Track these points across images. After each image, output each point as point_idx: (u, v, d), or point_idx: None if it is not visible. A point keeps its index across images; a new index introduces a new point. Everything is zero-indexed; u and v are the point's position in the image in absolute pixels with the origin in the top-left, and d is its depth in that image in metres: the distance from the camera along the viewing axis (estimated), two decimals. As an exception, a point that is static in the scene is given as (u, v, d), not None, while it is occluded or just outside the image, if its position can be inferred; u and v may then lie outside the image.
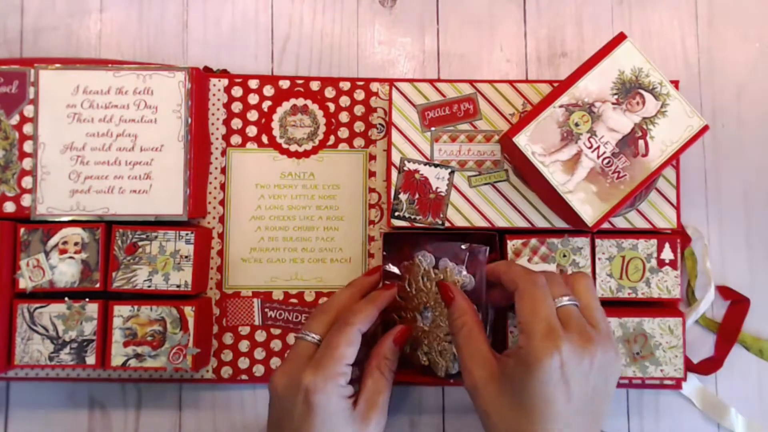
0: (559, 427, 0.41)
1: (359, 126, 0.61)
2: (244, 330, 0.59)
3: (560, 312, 0.44)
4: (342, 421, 0.44)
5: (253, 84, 0.61)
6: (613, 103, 0.52)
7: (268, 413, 0.48)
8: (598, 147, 0.52)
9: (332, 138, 0.61)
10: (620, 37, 0.52)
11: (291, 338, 0.59)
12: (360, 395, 0.47)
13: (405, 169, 0.57)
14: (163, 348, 0.55)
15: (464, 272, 0.52)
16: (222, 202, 0.60)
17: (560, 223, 0.57)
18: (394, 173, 0.57)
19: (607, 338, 0.44)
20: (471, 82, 0.58)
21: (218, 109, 0.61)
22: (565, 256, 0.57)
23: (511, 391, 0.42)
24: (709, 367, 0.59)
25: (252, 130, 0.61)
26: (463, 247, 0.53)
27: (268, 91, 0.61)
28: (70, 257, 0.55)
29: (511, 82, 0.58)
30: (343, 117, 0.61)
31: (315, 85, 0.61)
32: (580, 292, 0.47)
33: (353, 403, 0.46)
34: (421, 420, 0.59)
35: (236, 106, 0.61)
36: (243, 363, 0.59)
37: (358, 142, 0.61)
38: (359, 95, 0.61)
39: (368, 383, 0.48)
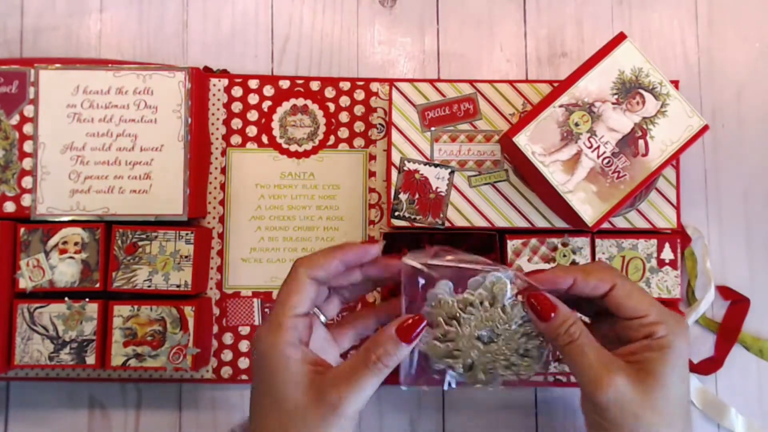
0: (689, 399, 0.42)
1: (359, 126, 0.61)
2: (244, 330, 0.59)
3: None
4: (288, 380, 0.39)
5: (253, 84, 0.61)
6: (613, 103, 0.52)
7: None
8: (598, 147, 0.52)
9: (332, 138, 0.61)
10: (620, 37, 0.52)
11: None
12: (337, 366, 0.41)
13: (405, 169, 0.57)
14: (163, 348, 0.55)
15: (495, 268, 0.42)
16: (222, 202, 0.60)
17: (560, 223, 0.57)
18: (394, 173, 0.57)
19: None
20: (471, 82, 0.58)
21: (218, 109, 0.61)
22: (565, 256, 0.57)
23: (658, 384, 0.40)
24: (709, 367, 0.59)
25: (252, 130, 0.61)
26: (478, 267, 0.43)
27: (268, 91, 0.61)
28: (70, 257, 0.55)
29: (511, 82, 0.58)
30: (343, 117, 0.61)
31: (315, 85, 0.61)
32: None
33: (317, 374, 0.40)
34: (421, 420, 0.59)
35: (236, 106, 0.61)
36: (243, 363, 0.59)
37: (358, 142, 0.61)
38: (359, 95, 0.61)
39: (350, 361, 0.41)
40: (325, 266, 0.43)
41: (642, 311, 0.42)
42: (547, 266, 0.56)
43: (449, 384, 0.44)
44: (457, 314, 0.42)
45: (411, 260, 0.43)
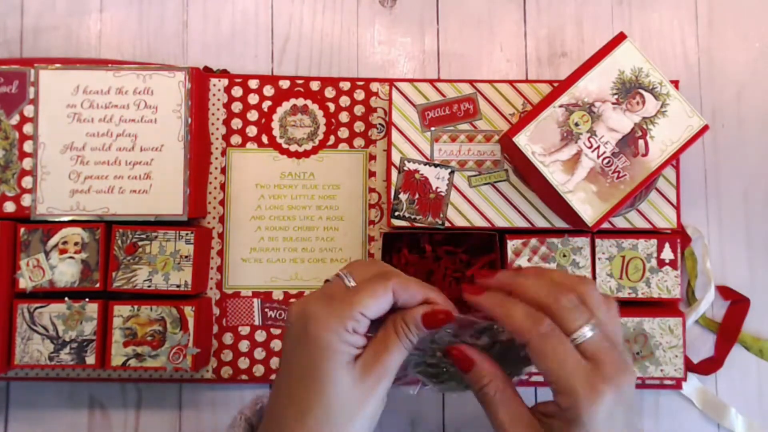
0: None
1: (359, 126, 0.61)
2: (244, 330, 0.59)
3: (584, 348, 0.40)
4: (337, 365, 0.39)
5: (253, 84, 0.61)
6: (613, 103, 0.52)
7: None
8: (598, 147, 0.52)
9: (332, 138, 0.61)
10: (620, 37, 0.52)
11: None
12: (366, 348, 0.41)
13: (405, 169, 0.57)
14: (163, 348, 0.55)
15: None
16: (222, 202, 0.60)
17: (560, 223, 0.57)
18: (394, 173, 0.57)
19: (626, 354, 0.42)
20: (471, 82, 0.58)
21: (218, 109, 0.61)
22: (565, 256, 0.57)
23: None
24: (709, 367, 0.59)
25: (252, 130, 0.61)
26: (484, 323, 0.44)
27: (268, 91, 0.61)
28: (70, 257, 0.55)
29: (511, 82, 0.58)
30: (343, 117, 0.61)
31: (315, 85, 0.61)
32: (593, 306, 0.41)
33: (357, 356, 0.41)
34: (421, 420, 0.59)
35: (236, 106, 0.61)
36: (243, 363, 0.59)
37: (358, 142, 0.61)
38: (359, 95, 0.61)
39: (379, 337, 0.42)
40: (412, 291, 0.42)
41: (549, 377, 0.39)
42: (547, 266, 0.56)
43: (422, 385, 0.46)
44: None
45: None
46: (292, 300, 0.60)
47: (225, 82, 0.61)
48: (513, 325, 0.40)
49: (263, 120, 0.61)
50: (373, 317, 0.41)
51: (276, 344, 0.59)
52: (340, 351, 0.40)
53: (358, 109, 0.61)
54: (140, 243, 0.56)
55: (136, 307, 0.55)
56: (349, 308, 0.40)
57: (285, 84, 0.61)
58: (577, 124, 0.52)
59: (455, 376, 0.45)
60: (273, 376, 0.59)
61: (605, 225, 0.55)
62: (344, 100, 0.61)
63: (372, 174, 0.61)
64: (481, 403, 0.42)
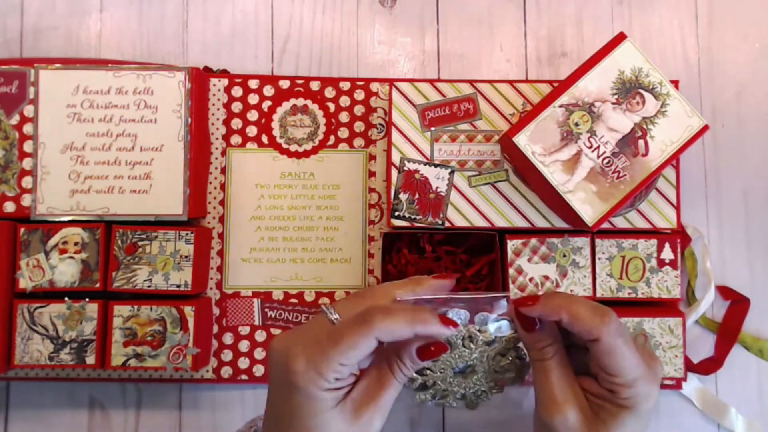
0: None
1: (359, 126, 0.61)
2: (244, 330, 0.59)
3: (637, 348, 0.42)
4: (325, 409, 0.39)
5: (253, 84, 0.61)
6: (613, 103, 0.52)
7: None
8: (598, 147, 0.52)
9: (332, 138, 0.61)
10: (620, 37, 0.52)
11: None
12: (357, 384, 0.41)
13: (405, 169, 0.57)
14: (163, 348, 0.55)
15: (504, 322, 0.44)
16: (222, 202, 0.60)
17: (560, 223, 0.57)
18: (394, 173, 0.57)
19: None
20: (471, 82, 0.58)
21: (218, 109, 0.61)
22: (565, 256, 0.57)
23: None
24: (709, 367, 0.59)
25: (252, 130, 0.61)
26: (484, 296, 0.44)
27: (268, 91, 0.61)
28: (70, 257, 0.55)
29: (511, 82, 0.58)
30: (343, 117, 0.61)
31: (315, 85, 0.61)
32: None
33: (347, 393, 0.41)
34: (421, 420, 0.59)
35: (236, 106, 0.61)
36: (243, 363, 0.59)
37: (358, 142, 0.61)
38: (359, 95, 0.61)
39: (372, 374, 0.42)
40: (400, 329, 0.40)
41: (617, 372, 0.41)
42: (547, 266, 0.56)
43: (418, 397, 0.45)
44: (458, 345, 0.44)
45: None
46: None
47: (225, 82, 0.61)
48: (582, 322, 0.41)
49: (263, 120, 0.61)
50: (354, 363, 0.40)
51: (276, 344, 0.59)
52: (324, 399, 0.39)
53: (358, 109, 0.61)
54: (140, 243, 0.56)
55: (136, 307, 0.55)
56: (326, 362, 0.39)
57: (285, 84, 0.61)
58: (577, 124, 0.52)
59: (442, 383, 0.45)
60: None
61: (605, 225, 0.55)
62: (344, 100, 0.61)
63: (372, 174, 0.61)
64: (534, 363, 0.43)
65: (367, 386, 0.41)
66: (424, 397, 0.45)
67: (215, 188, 0.60)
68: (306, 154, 0.61)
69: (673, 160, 0.52)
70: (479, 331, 0.43)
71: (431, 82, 0.58)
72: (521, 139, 0.52)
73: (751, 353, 0.60)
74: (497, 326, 0.43)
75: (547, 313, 0.42)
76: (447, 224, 0.57)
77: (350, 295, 0.44)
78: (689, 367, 0.58)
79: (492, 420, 0.59)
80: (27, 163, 0.57)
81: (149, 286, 0.55)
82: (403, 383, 0.42)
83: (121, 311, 0.55)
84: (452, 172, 0.57)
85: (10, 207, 0.56)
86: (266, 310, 0.60)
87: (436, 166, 0.57)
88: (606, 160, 0.52)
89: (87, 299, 0.55)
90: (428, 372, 0.44)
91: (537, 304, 0.42)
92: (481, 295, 0.43)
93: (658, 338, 0.55)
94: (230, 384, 0.59)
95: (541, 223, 0.57)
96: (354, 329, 0.39)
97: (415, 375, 0.44)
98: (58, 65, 0.57)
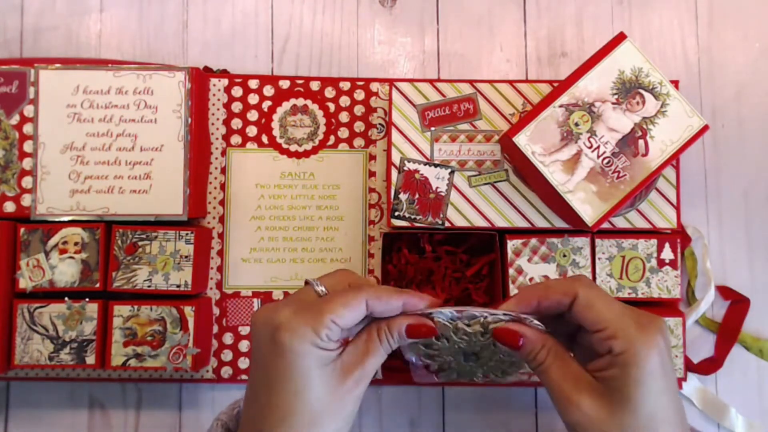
0: (680, 408, 0.40)
1: (359, 126, 0.61)
2: (244, 330, 0.59)
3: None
4: (311, 369, 0.39)
5: (253, 84, 0.61)
6: (613, 103, 0.52)
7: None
8: (598, 147, 0.52)
9: (332, 138, 0.61)
10: (620, 37, 0.52)
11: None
12: (345, 350, 0.41)
13: (405, 169, 0.57)
14: (163, 348, 0.55)
15: (498, 313, 0.43)
16: (222, 202, 0.60)
17: (560, 223, 0.57)
18: (394, 173, 0.57)
19: None
20: (471, 82, 0.58)
21: (218, 109, 0.61)
22: (565, 256, 0.57)
23: (625, 402, 0.38)
24: (709, 367, 0.59)
25: (252, 130, 0.61)
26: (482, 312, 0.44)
27: (268, 91, 0.61)
28: (70, 257, 0.55)
29: (511, 82, 0.58)
30: (343, 117, 0.61)
31: (315, 85, 0.61)
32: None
33: (334, 360, 0.41)
34: (421, 420, 0.59)
35: (236, 106, 0.61)
36: (243, 363, 0.59)
37: (358, 142, 0.61)
38: (359, 95, 0.61)
39: (361, 338, 0.42)
40: (386, 301, 0.41)
41: (601, 324, 0.39)
42: (547, 266, 0.56)
43: (415, 362, 0.46)
44: (450, 335, 0.44)
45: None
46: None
47: (225, 82, 0.61)
48: (556, 292, 0.41)
49: (263, 120, 0.61)
50: (346, 327, 0.41)
51: (276, 344, 0.59)
52: (315, 356, 0.39)
53: (358, 109, 0.61)
54: (140, 243, 0.56)
55: (136, 307, 0.55)
56: (320, 316, 0.39)
57: (285, 84, 0.61)
58: (577, 124, 0.52)
59: (455, 362, 0.46)
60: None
61: (605, 225, 0.55)
62: (344, 100, 0.61)
63: (372, 174, 0.61)
64: (536, 372, 0.42)
65: (354, 351, 0.42)
66: (446, 376, 0.46)
67: (215, 188, 0.60)
68: (306, 154, 0.61)
69: (673, 160, 0.52)
70: (467, 325, 0.43)
71: (431, 82, 0.58)
72: (521, 139, 0.52)
73: (751, 353, 0.60)
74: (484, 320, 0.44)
75: (525, 300, 0.42)
76: (447, 224, 0.57)
77: (330, 273, 0.45)
78: (689, 367, 0.59)
79: (492, 420, 0.59)
80: (27, 163, 0.57)
81: (149, 286, 0.55)
82: (387, 354, 0.43)
83: (121, 311, 0.55)
84: (452, 172, 0.57)
85: (10, 207, 0.56)
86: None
87: (436, 166, 0.57)
88: (606, 160, 0.52)
89: (87, 299, 0.55)
90: (437, 358, 0.45)
91: (512, 298, 0.43)
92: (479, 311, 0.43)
93: (658, 338, 0.55)
94: (230, 384, 0.59)
95: (541, 223, 0.57)
96: (346, 291, 0.41)
97: (427, 361, 0.45)
98: (58, 65, 0.57)
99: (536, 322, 0.42)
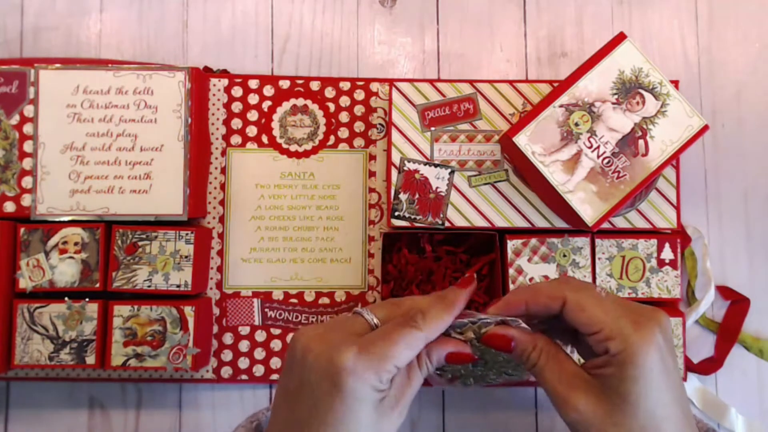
0: (683, 404, 0.39)
1: (359, 126, 0.61)
2: (244, 330, 0.59)
3: (611, 300, 0.41)
4: (366, 411, 0.38)
5: (253, 84, 0.61)
6: (613, 103, 0.52)
7: (282, 375, 0.42)
8: (598, 147, 0.52)
9: (332, 138, 0.61)
10: (620, 37, 0.52)
11: (291, 338, 0.59)
12: (392, 384, 0.41)
13: (405, 169, 0.57)
14: (163, 348, 0.55)
15: (486, 317, 0.43)
16: (222, 202, 0.60)
17: (560, 223, 0.57)
18: (394, 173, 0.57)
19: None
20: (471, 82, 0.58)
21: (218, 109, 0.61)
22: (565, 256, 0.57)
23: (622, 401, 0.38)
24: (709, 367, 0.59)
25: (252, 130, 0.61)
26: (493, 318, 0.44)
27: (268, 91, 0.61)
28: (70, 257, 0.55)
29: (511, 82, 0.58)
30: (343, 117, 0.61)
31: (315, 85, 0.61)
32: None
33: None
34: (421, 420, 0.59)
35: (236, 106, 0.61)
36: (243, 363, 0.59)
37: (358, 142, 0.61)
38: (359, 95, 0.61)
39: (402, 370, 0.41)
40: (443, 327, 0.41)
41: (595, 326, 0.39)
42: (547, 266, 0.56)
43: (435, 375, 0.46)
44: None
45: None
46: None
47: (225, 82, 0.61)
48: (543, 295, 0.41)
49: (263, 120, 0.61)
50: (404, 365, 0.40)
51: (276, 344, 0.59)
52: (373, 399, 0.39)
53: (358, 109, 0.61)
54: (140, 243, 0.56)
55: (136, 307, 0.55)
56: (384, 361, 0.38)
57: (285, 84, 0.61)
58: (577, 124, 0.52)
59: (469, 372, 0.45)
60: (273, 377, 0.59)
61: (605, 225, 0.55)
62: (344, 100, 0.61)
63: (372, 174, 0.61)
64: (532, 372, 0.42)
65: (398, 382, 0.41)
66: (463, 382, 0.46)
67: (215, 188, 0.60)
68: (306, 154, 0.61)
69: (673, 160, 0.52)
70: (460, 333, 0.43)
71: (431, 82, 0.58)
72: (521, 139, 0.52)
73: (751, 353, 0.60)
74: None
75: (512, 303, 0.42)
76: (447, 224, 0.57)
77: (382, 303, 0.44)
78: (689, 367, 0.59)
79: (492, 420, 0.59)
80: (27, 163, 0.57)
81: (149, 286, 0.55)
82: (422, 380, 0.42)
83: (121, 311, 0.55)
84: (452, 172, 0.57)
85: (10, 207, 0.56)
86: (266, 310, 0.60)
87: (436, 166, 0.57)
88: (606, 160, 0.52)
89: (87, 299, 0.55)
90: (447, 368, 0.45)
91: (499, 301, 0.42)
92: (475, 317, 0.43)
93: (658, 338, 0.55)
94: (230, 384, 0.59)
95: (541, 223, 0.57)
96: (406, 330, 0.40)
97: (438, 372, 0.45)
98: (58, 65, 0.57)
99: (523, 324, 0.42)
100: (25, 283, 0.55)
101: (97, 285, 0.55)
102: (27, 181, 0.56)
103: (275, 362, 0.59)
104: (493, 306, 0.43)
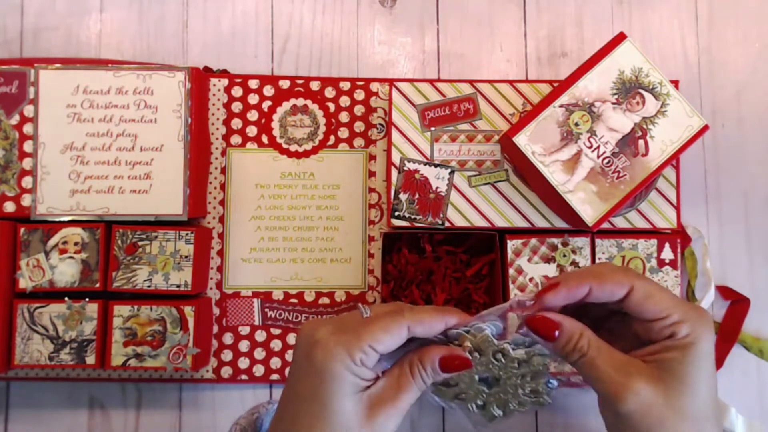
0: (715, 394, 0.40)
1: (359, 126, 0.61)
2: (244, 330, 0.59)
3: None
4: (341, 392, 0.38)
5: (253, 84, 0.61)
6: (613, 103, 0.52)
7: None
8: (598, 147, 0.52)
9: (332, 138, 0.61)
10: (620, 37, 0.52)
11: (291, 338, 0.59)
12: (376, 383, 0.40)
13: (405, 169, 0.57)
14: (163, 348, 0.55)
15: (476, 321, 0.41)
16: (222, 202, 0.60)
17: (560, 223, 0.57)
18: (394, 173, 0.57)
19: None
20: (471, 82, 0.58)
21: (218, 109, 0.61)
22: (565, 256, 0.57)
23: (682, 385, 0.38)
24: (709, 367, 0.59)
25: (252, 130, 0.61)
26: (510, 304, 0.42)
27: (268, 91, 0.61)
28: (70, 257, 0.55)
29: (511, 82, 0.58)
30: (343, 117, 0.61)
31: (315, 85, 0.61)
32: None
33: (366, 387, 0.40)
34: (421, 420, 0.59)
35: (236, 106, 0.61)
36: (243, 363, 0.59)
37: (358, 142, 0.61)
38: (359, 95, 0.61)
39: (393, 373, 0.41)
40: (430, 326, 0.40)
41: (664, 312, 0.39)
42: (547, 266, 0.56)
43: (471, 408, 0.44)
44: (488, 354, 0.41)
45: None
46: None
47: (225, 82, 0.61)
48: (609, 281, 0.39)
49: (263, 120, 0.61)
50: (384, 352, 0.39)
51: (276, 344, 0.59)
52: (346, 381, 0.38)
53: (358, 109, 0.61)
54: (140, 243, 0.56)
55: (136, 307, 0.55)
56: (357, 339, 0.38)
57: (285, 84, 0.61)
58: (577, 124, 0.52)
59: (482, 394, 0.43)
60: (273, 377, 0.59)
61: (605, 225, 0.55)
62: (344, 100, 0.61)
63: (372, 174, 0.61)
64: (575, 364, 0.40)
65: (385, 385, 0.40)
66: (444, 391, 0.43)
67: (215, 188, 0.60)
68: (306, 154, 0.61)
69: (673, 160, 0.52)
70: (513, 349, 0.41)
71: (431, 82, 0.58)
72: (521, 139, 0.52)
73: (751, 353, 0.60)
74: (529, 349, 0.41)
75: (573, 290, 0.40)
76: (447, 224, 0.57)
77: (383, 303, 0.44)
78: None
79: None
80: (27, 163, 0.57)
81: (149, 286, 0.55)
82: (421, 391, 0.41)
83: (121, 311, 0.55)
84: (452, 172, 0.57)
85: (10, 207, 0.56)
86: (266, 310, 0.60)
87: (436, 166, 0.57)
88: (606, 160, 0.52)
89: (87, 299, 0.55)
90: (462, 395, 0.43)
91: (559, 291, 0.40)
92: (487, 314, 0.41)
93: (658, 338, 0.55)
94: (230, 384, 0.59)
95: (541, 223, 0.57)
96: (386, 316, 0.40)
97: (454, 402, 0.43)
98: (58, 65, 0.57)
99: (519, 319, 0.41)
100: (25, 283, 0.55)
101: (97, 285, 0.55)
102: (27, 181, 0.56)
103: (275, 362, 0.59)
104: (550, 292, 0.40)
